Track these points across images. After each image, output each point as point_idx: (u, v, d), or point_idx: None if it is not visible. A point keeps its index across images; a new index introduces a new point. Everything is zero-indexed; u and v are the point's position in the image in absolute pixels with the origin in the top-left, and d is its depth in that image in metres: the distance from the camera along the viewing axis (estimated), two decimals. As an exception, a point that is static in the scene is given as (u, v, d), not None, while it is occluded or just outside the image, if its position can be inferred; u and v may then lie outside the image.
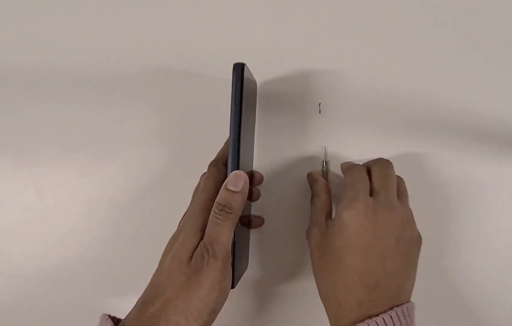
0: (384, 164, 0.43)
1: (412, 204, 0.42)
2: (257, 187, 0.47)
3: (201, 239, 0.37)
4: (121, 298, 0.48)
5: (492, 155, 0.47)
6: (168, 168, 0.48)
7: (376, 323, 0.36)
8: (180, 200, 0.43)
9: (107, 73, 0.48)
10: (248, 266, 0.47)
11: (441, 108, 0.47)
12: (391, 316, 0.36)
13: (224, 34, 0.48)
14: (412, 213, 0.42)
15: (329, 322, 0.40)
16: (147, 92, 0.48)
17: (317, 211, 0.43)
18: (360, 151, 0.47)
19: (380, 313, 0.36)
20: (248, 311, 0.48)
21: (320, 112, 0.47)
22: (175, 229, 0.41)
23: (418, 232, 0.41)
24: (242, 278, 0.44)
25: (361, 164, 0.45)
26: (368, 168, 0.43)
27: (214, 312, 0.36)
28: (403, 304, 0.38)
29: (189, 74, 0.48)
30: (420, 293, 0.40)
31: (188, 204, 0.42)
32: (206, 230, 0.37)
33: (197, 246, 0.37)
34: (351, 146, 0.47)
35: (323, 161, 0.47)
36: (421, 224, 0.41)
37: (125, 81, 0.48)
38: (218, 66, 0.47)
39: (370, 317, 0.36)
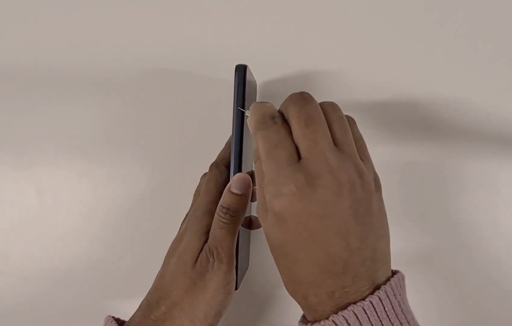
0: (299, 102, 0.32)
1: (412, 204, 0.42)
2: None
3: (205, 242, 0.37)
4: (122, 299, 0.48)
5: (492, 155, 0.47)
6: (168, 168, 0.48)
7: (363, 309, 0.30)
8: (181, 200, 0.43)
9: (107, 73, 0.48)
10: (249, 267, 0.47)
11: (441, 108, 0.47)
12: (379, 297, 0.30)
13: (224, 35, 0.48)
14: (361, 147, 0.34)
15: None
16: (147, 93, 0.48)
17: (256, 180, 0.33)
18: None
19: (364, 297, 0.30)
20: (249, 312, 0.48)
21: (320, 112, 0.47)
22: (176, 230, 0.41)
23: (374, 173, 0.33)
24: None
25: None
26: (283, 115, 0.33)
27: (219, 315, 0.37)
28: (390, 278, 0.32)
29: (189, 74, 0.48)
30: (418, 294, 0.40)
31: (189, 205, 0.42)
32: (211, 233, 0.37)
33: (201, 250, 0.37)
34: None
35: None
36: (420, 224, 0.41)
37: (125, 82, 0.48)
38: (218, 67, 0.47)
39: (354, 303, 0.30)
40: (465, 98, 0.47)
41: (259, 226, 0.47)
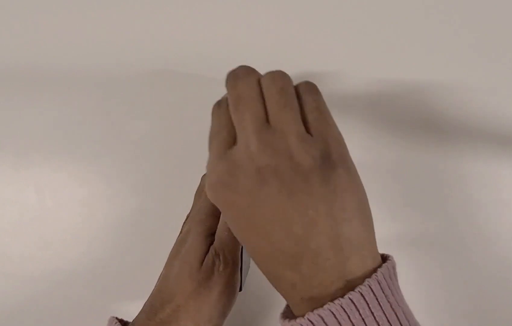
0: (231, 81, 0.30)
1: (412, 204, 0.43)
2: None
3: (210, 244, 0.37)
4: (122, 300, 0.48)
5: (492, 155, 0.47)
6: (169, 169, 0.48)
7: (342, 307, 0.26)
8: (181, 201, 0.43)
9: (107, 74, 0.48)
10: (250, 267, 0.47)
11: (441, 108, 0.47)
12: (361, 293, 0.26)
13: (224, 36, 0.48)
14: (317, 119, 0.29)
15: None
16: (147, 93, 0.48)
17: None
18: (360, 151, 0.47)
19: (333, 291, 0.27)
20: (249, 311, 0.49)
21: (320, 112, 0.47)
22: (177, 230, 0.41)
23: (325, 148, 0.28)
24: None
25: None
26: None
27: (224, 316, 0.37)
28: (377, 268, 0.28)
29: (189, 74, 0.48)
30: (417, 292, 0.40)
31: (190, 206, 0.42)
32: (217, 236, 0.37)
33: (206, 252, 0.37)
34: (352, 147, 0.47)
35: None
36: (420, 224, 0.42)
37: (126, 82, 0.48)
38: (218, 67, 0.47)
39: (333, 299, 0.26)
40: (465, 97, 0.47)
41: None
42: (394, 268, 0.29)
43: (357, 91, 0.47)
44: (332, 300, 0.26)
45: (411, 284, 0.41)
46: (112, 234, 0.49)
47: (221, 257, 0.36)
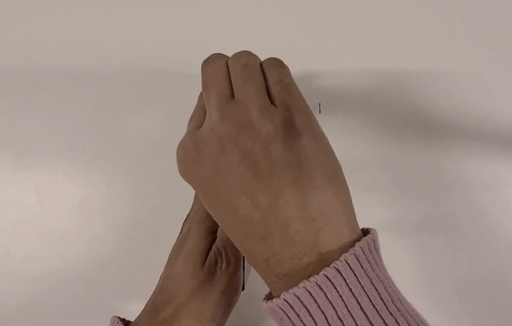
0: (202, 66, 0.32)
1: (411, 204, 0.42)
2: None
3: (212, 242, 0.37)
4: (123, 300, 0.48)
5: (492, 155, 0.47)
6: (169, 168, 0.48)
7: (317, 284, 0.25)
8: (181, 200, 0.43)
9: (107, 74, 0.48)
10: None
11: (442, 108, 0.47)
12: (337, 269, 0.25)
13: (224, 36, 0.48)
14: (280, 92, 0.29)
15: None
16: (147, 93, 0.48)
17: None
18: (360, 151, 0.47)
19: (306, 265, 0.26)
20: (252, 311, 0.48)
21: (320, 112, 0.48)
22: (177, 230, 0.41)
23: (287, 117, 0.28)
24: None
25: None
26: None
27: (226, 315, 0.37)
28: (355, 241, 0.26)
29: (189, 75, 0.48)
30: (417, 292, 0.41)
31: (189, 205, 0.42)
32: (218, 234, 0.38)
33: (208, 250, 0.37)
34: (352, 146, 0.48)
35: None
36: (421, 223, 0.42)
37: (125, 82, 0.48)
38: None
39: (305, 276, 0.25)
40: (465, 97, 0.47)
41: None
42: (375, 241, 0.28)
43: (357, 88, 0.48)
44: (307, 277, 0.25)
45: (411, 279, 0.42)
46: (112, 234, 0.49)
47: (223, 255, 0.37)
